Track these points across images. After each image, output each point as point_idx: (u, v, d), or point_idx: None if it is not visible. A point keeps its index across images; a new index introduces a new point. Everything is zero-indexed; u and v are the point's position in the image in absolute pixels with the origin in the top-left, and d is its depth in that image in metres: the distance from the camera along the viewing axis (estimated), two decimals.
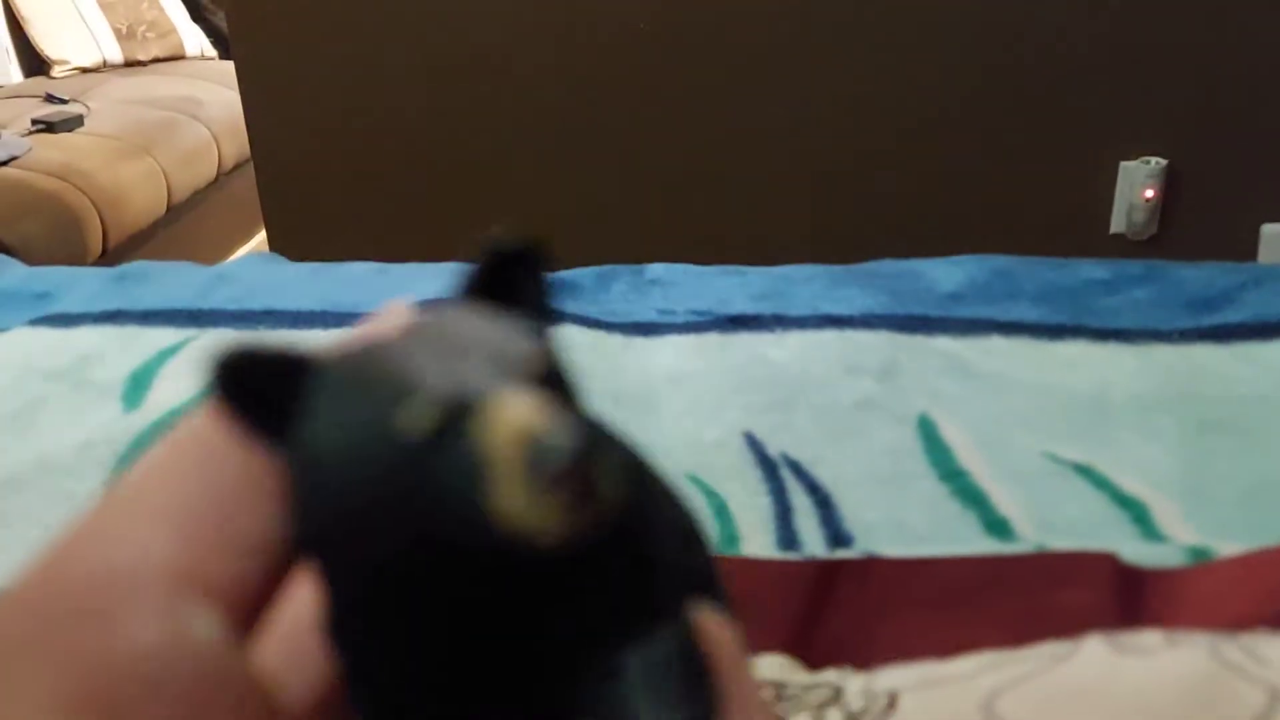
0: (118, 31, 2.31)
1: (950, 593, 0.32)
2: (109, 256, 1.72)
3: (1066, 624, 0.27)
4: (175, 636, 0.10)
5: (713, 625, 0.12)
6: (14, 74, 2.28)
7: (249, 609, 0.11)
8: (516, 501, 0.09)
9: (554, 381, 0.10)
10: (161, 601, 0.10)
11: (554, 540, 0.09)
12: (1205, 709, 0.22)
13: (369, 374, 0.10)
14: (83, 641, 0.10)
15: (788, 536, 0.42)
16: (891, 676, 0.27)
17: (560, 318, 0.12)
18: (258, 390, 0.10)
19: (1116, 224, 1.25)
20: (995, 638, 0.28)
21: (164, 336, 0.60)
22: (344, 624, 0.11)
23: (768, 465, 0.47)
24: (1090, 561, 0.32)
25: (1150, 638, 0.26)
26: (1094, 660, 0.25)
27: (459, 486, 0.09)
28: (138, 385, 0.55)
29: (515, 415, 0.09)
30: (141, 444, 0.49)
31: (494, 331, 0.11)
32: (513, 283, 0.12)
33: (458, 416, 0.09)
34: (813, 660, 0.28)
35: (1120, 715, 0.23)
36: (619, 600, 0.11)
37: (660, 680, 0.11)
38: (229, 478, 0.11)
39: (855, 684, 0.26)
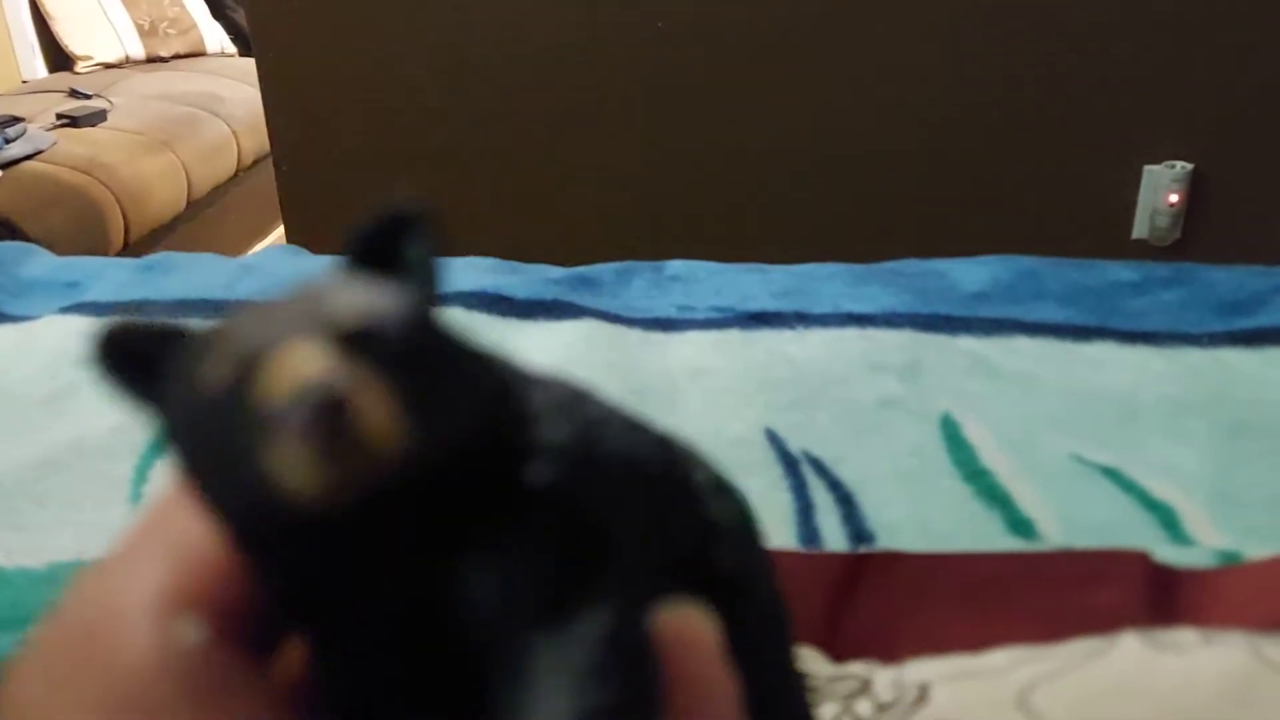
0: (140, 28, 2.34)
1: (978, 588, 0.31)
2: (130, 250, 1.74)
3: (1098, 621, 0.27)
4: (165, 644, 0.11)
5: (681, 623, 0.12)
6: (39, 69, 2.32)
7: (247, 619, 0.12)
8: (276, 456, 0.09)
9: (404, 345, 0.10)
10: (154, 619, 0.11)
11: (318, 497, 0.09)
12: (1245, 707, 0.22)
13: (209, 339, 0.10)
14: (99, 664, 0.11)
15: (809, 533, 0.42)
16: (921, 669, 0.26)
17: (442, 283, 0.11)
18: (133, 358, 0.11)
19: (1140, 229, 1.23)
20: (1026, 633, 0.28)
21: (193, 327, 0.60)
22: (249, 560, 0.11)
23: (789, 462, 0.47)
24: (1122, 560, 0.32)
25: (1186, 635, 0.25)
26: (1130, 657, 0.24)
27: (243, 442, 0.09)
28: None
29: (285, 366, 0.09)
30: None
31: (337, 293, 0.10)
32: (397, 247, 0.11)
33: (247, 371, 0.09)
34: (838, 653, 0.28)
35: (1158, 712, 0.23)
36: (519, 573, 0.10)
37: (571, 669, 0.10)
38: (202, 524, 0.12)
39: (884, 676, 0.26)
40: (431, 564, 0.10)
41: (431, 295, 0.11)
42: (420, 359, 0.10)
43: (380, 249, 0.11)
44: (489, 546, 0.10)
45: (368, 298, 0.10)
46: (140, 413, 0.11)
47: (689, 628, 0.12)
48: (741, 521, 0.14)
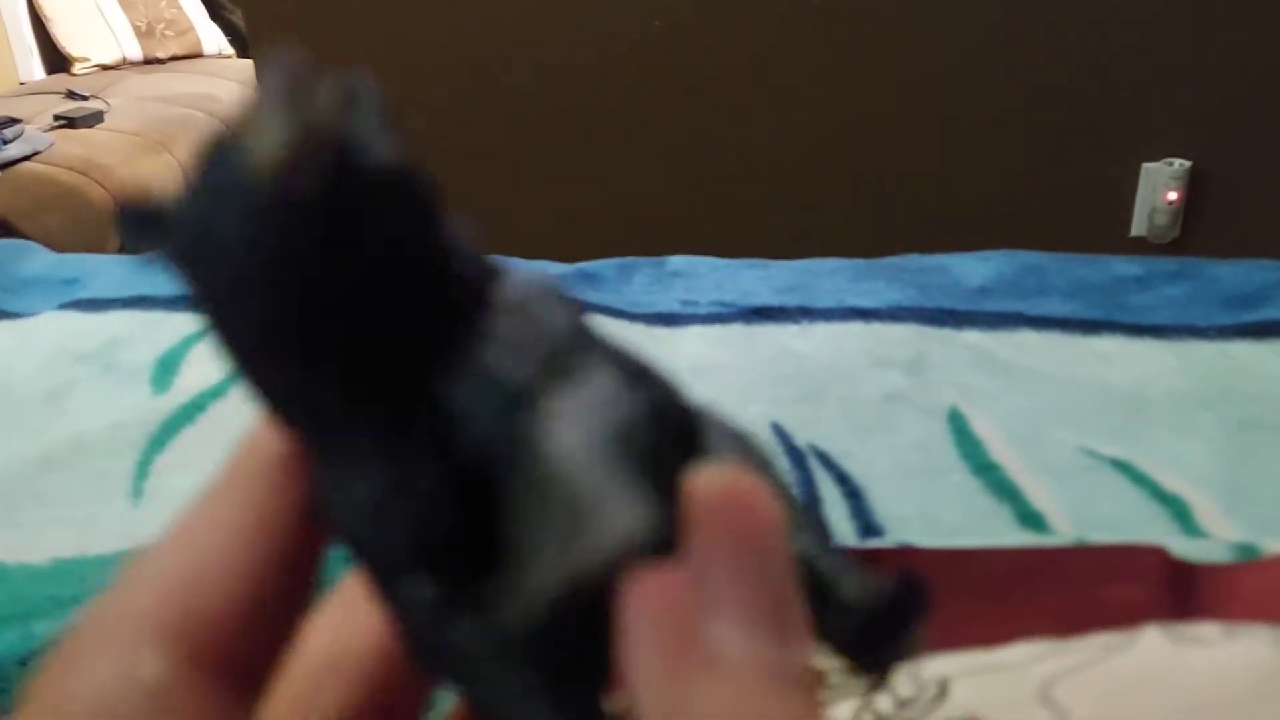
0: (137, 29, 2.33)
1: (994, 584, 0.31)
2: (127, 250, 1.74)
3: (1117, 617, 0.27)
4: (124, 677, 0.10)
5: (732, 479, 0.10)
6: (37, 71, 2.31)
7: (224, 647, 0.11)
8: (252, 136, 0.09)
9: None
10: (120, 646, 0.11)
11: (287, 166, 0.09)
12: (1271, 700, 0.22)
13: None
14: (55, 688, 0.11)
15: None
16: (940, 664, 0.26)
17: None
18: (142, 217, 0.11)
19: (1138, 227, 1.23)
20: (1043, 629, 0.27)
21: (190, 322, 0.60)
22: (237, 365, 0.11)
23: (796, 456, 0.47)
24: (1139, 555, 0.31)
25: (1208, 629, 0.25)
26: (1152, 650, 0.24)
27: (231, 162, 0.10)
28: (166, 369, 0.55)
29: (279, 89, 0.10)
30: (171, 426, 0.49)
31: None
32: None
33: (231, 125, 0.10)
34: None
35: (1183, 705, 0.23)
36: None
37: (592, 402, 0.10)
38: (217, 521, 0.12)
39: (902, 671, 0.25)
40: (417, 358, 0.10)
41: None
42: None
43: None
44: (474, 345, 0.10)
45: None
46: (161, 257, 0.11)
47: (743, 486, 0.10)
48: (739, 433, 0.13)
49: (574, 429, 0.10)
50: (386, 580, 0.11)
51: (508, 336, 0.11)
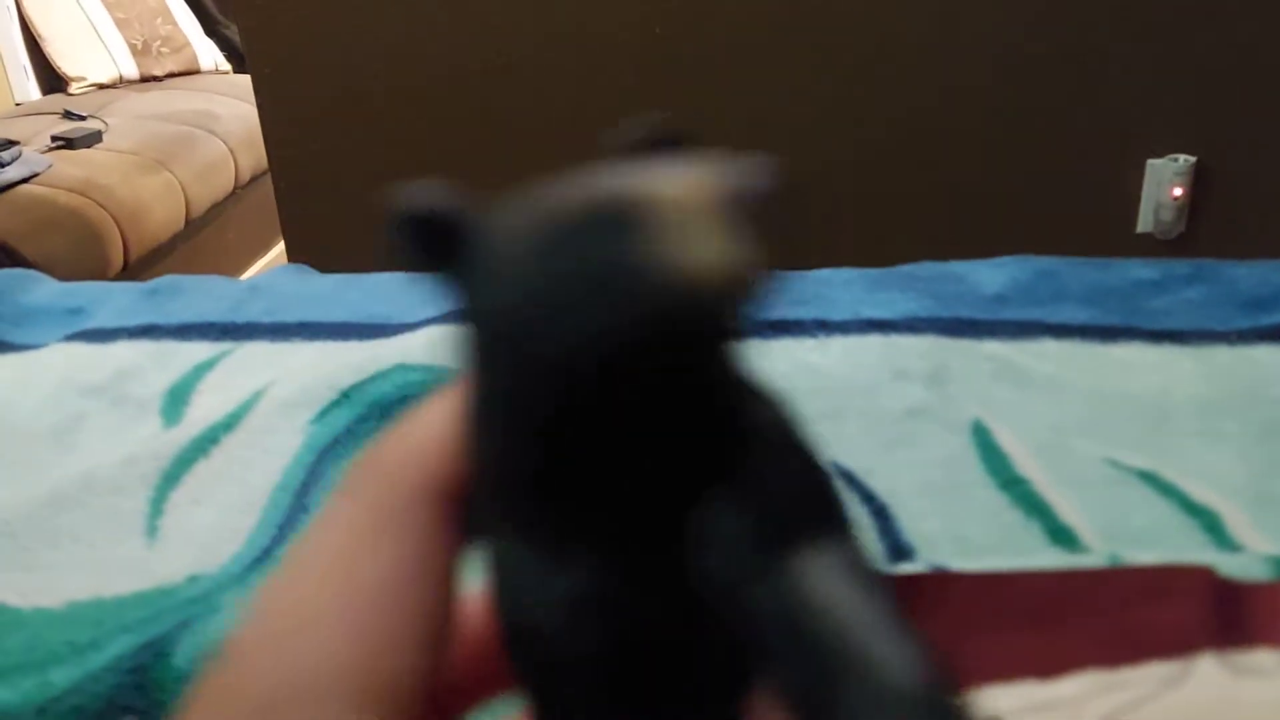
0: (133, 47, 2.33)
1: (1036, 610, 0.30)
2: (129, 270, 1.73)
3: (1167, 642, 0.26)
4: None
5: None
6: (33, 91, 2.31)
7: (422, 700, 0.11)
8: (692, 242, 0.09)
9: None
10: (341, 715, 0.10)
11: (729, 280, 0.09)
12: None
13: (542, 194, 0.10)
14: None
15: None
16: (992, 699, 0.25)
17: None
18: (430, 229, 0.11)
19: (1144, 223, 1.23)
20: (1092, 657, 0.27)
21: (199, 351, 0.60)
22: (490, 432, 0.11)
23: None
24: (1184, 576, 0.31)
25: (1265, 658, 0.24)
26: (1210, 682, 0.24)
27: (635, 247, 0.09)
28: (176, 400, 0.54)
29: (690, 171, 0.09)
30: (185, 460, 0.48)
31: (653, 165, 0.11)
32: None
33: (634, 195, 0.09)
34: None
35: None
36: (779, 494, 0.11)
37: (850, 580, 0.11)
38: (392, 566, 0.11)
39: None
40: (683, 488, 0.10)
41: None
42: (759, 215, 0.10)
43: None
44: (732, 483, 0.11)
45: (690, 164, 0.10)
46: (442, 287, 0.11)
47: None
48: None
49: (834, 586, 0.10)
50: (545, 682, 0.11)
51: (754, 482, 0.11)
